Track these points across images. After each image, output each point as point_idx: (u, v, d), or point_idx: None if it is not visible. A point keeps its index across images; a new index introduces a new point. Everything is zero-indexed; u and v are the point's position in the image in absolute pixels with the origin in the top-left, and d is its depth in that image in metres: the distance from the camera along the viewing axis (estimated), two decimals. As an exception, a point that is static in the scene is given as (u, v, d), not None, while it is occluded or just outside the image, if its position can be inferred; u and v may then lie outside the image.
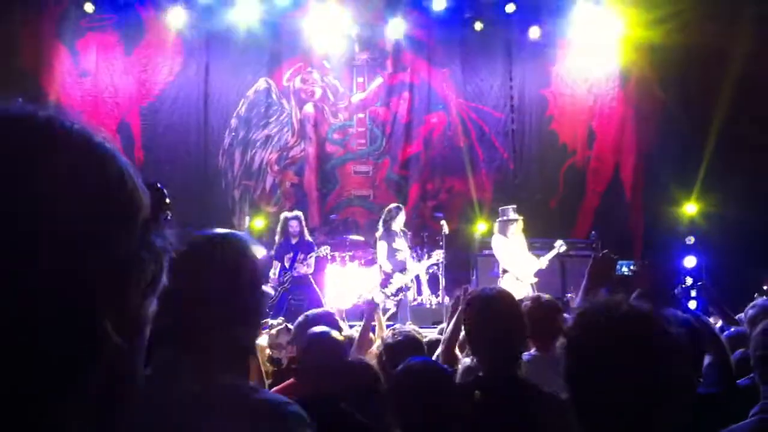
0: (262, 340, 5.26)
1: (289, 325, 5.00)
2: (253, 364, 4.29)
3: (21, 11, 10.83)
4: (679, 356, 1.65)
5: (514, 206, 9.84)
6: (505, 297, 3.16)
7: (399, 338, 4.05)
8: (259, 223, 11.51)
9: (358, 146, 12.97)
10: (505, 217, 9.70)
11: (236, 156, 12.52)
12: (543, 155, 13.16)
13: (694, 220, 11.90)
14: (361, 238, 11.65)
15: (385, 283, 10.06)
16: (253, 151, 12.60)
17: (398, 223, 9.82)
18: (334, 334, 3.34)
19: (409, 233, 10.42)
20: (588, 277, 3.42)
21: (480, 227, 11.85)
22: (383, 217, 10.06)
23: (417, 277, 10.29)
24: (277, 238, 9.71)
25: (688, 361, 1.78)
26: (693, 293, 8.71)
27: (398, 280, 9.91)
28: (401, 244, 9.86)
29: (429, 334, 5.50)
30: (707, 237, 11.60)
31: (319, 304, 9.23)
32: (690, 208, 11.92)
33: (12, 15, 10.62)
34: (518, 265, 9.53)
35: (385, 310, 10.16)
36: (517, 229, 9.63)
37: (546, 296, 4.48)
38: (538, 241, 10.74)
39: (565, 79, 13.26)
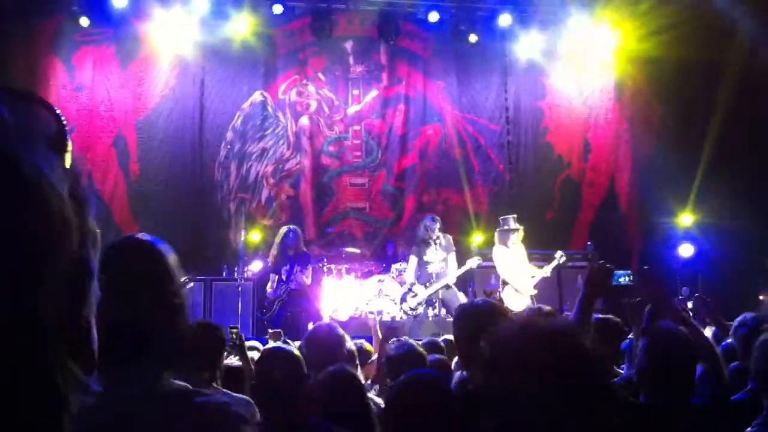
0: (257, 353, 5.24)
1: (288, 340, 4.98)
2: (246, 372, 4.29)
3: (15, 25, 10.83)
4: (597, 368, 1.65)
5: (515, 215, 9.81)
6: (495, 309, 3.14)
7: (401, 351, 4.03)
8: (255, 236, 11.50)
9: (353, 158, 12.97)
10: (506, 227, 9.68)
11: (232, 169, 12.52)
12: (539, 167, 13.20)
13: (689, 231, 11.91)
14: (357, 251, 11.65)
15: (404, 298, 10.03)
16: (249, 163, 12.60)
17: (436, 235, 9.69)
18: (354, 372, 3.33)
19: (449, 237, 10.13)
20: (585, 287, 3.41)
21: (476, 239, 11.84)
22: (419, 231, 9.98)
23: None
24: (273, 251, 9.68)
25: (608, 373, 1.78)
26: (690, 304, 8.70)
27: (421, 293, 9.84)
28: (433, 254, 9.71)
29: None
30: (703, 247, 11.61)
31: (318, 317, 9.21)
32: (686, 219, 11.94)
33: (6, 29, 10.61)
34: (518, 277, 9.50)
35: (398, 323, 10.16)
36: (517, 238, 9.62)
37: (546, 308, 4.48)
38: (536, 252, 10.77)
39: (560, 91, 13.32)
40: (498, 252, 9.57)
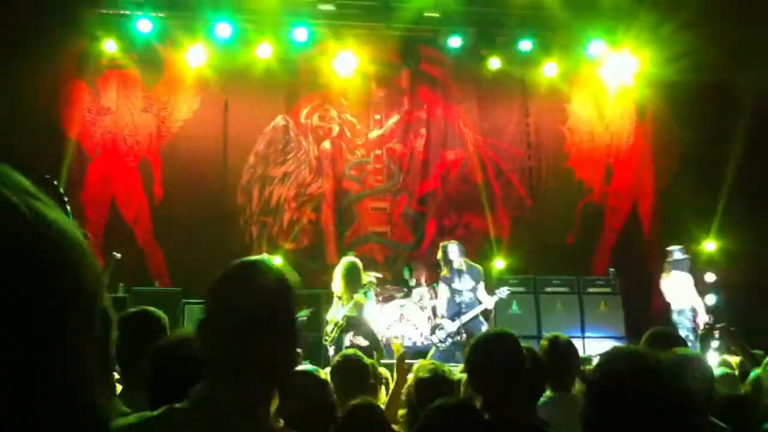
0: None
1: (311, 365, 4.96)
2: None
3: (40, 51, 11.00)
4: (697, 410, 1.64)
5: (682, 246, 10.52)
6: (507, 338, 3.12)
7: (427, 375, 3.99)
8: (277, 259, 11.51)
9: (375, 182, 13.00)
10: (683, 256, 10.39)
11: (254, 193, 12.58)
12: (560, 192, 13.15)
13: (713, 258, 11.79)
14: (379, 275, 11.63)
15: (434, 330, 9.99)
16: (271, 187, 12.65)
17: (456, 258, 9.61)
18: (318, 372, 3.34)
19: (479, 267, 10.01)
20: None
21: (497, 264, 11.79)
22: (441, 257, 9.94)
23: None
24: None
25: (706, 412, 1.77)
26: (716, 334, 8.63)
27: (448, 327, 9.77)
28: (459, 283, 9.60)
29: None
30: (727, 274, 11.49)
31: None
32: (709, 246, 11.82)
33: (31, 54, 10.77)
34: (698, 300, 10.12)
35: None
36: (687, 266, 10.37)
37: (563, 337, 4.43)
38: (557, 278, 10.75)
39: (581, 116, 13.31)
40: (682, 278, 10.21)
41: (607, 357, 1.74)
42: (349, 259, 9.37)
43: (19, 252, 0.65)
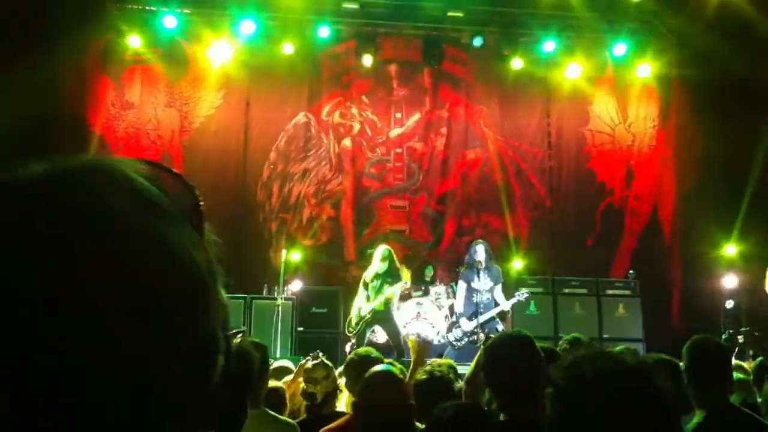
0: (298, 374, 5.25)
1: (326, 360, 4.99)
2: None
3: (66, 44, 11.08)
4: (668, 413, 1.58)
5: None
6: (523, 339, 3.13)
7: (425, 377, 3.99)
8: (295, 255, 11.57)
9: (395, 181, 13.01)
10: None
11: (274, 189, 12.63)
12: (580, 193, 13.09)
13: (734, 262, 11.71)
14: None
15: (451, 328, 9.99)
16: (291, 184, 12.70)
17: (479, 258, 9.60)
18: (395, 371, 3.33)
19: (498, 267, 10.02)
20: None
21: (516, 264, 11.77)
22: (467, 257, 9.96)
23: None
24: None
25: (676, 417, 1.69)
26: (740, 339, 8.57)
27: (465, 326, 9.76)
28: (479, 283, 9.61)
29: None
30: (748, 278, 11.40)
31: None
32: (730, 250, 11.74)
33: (56, 48, 10.86)
34: None
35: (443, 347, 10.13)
36: None
37: (583, 338, 4.44)
38: (575, 279, 10.70)
39: (603, 118, 13.25)
40: None
41: (572, 361, 1.68)
42: (387, 246, 9.48)
43: (133, 276, 0.60)
